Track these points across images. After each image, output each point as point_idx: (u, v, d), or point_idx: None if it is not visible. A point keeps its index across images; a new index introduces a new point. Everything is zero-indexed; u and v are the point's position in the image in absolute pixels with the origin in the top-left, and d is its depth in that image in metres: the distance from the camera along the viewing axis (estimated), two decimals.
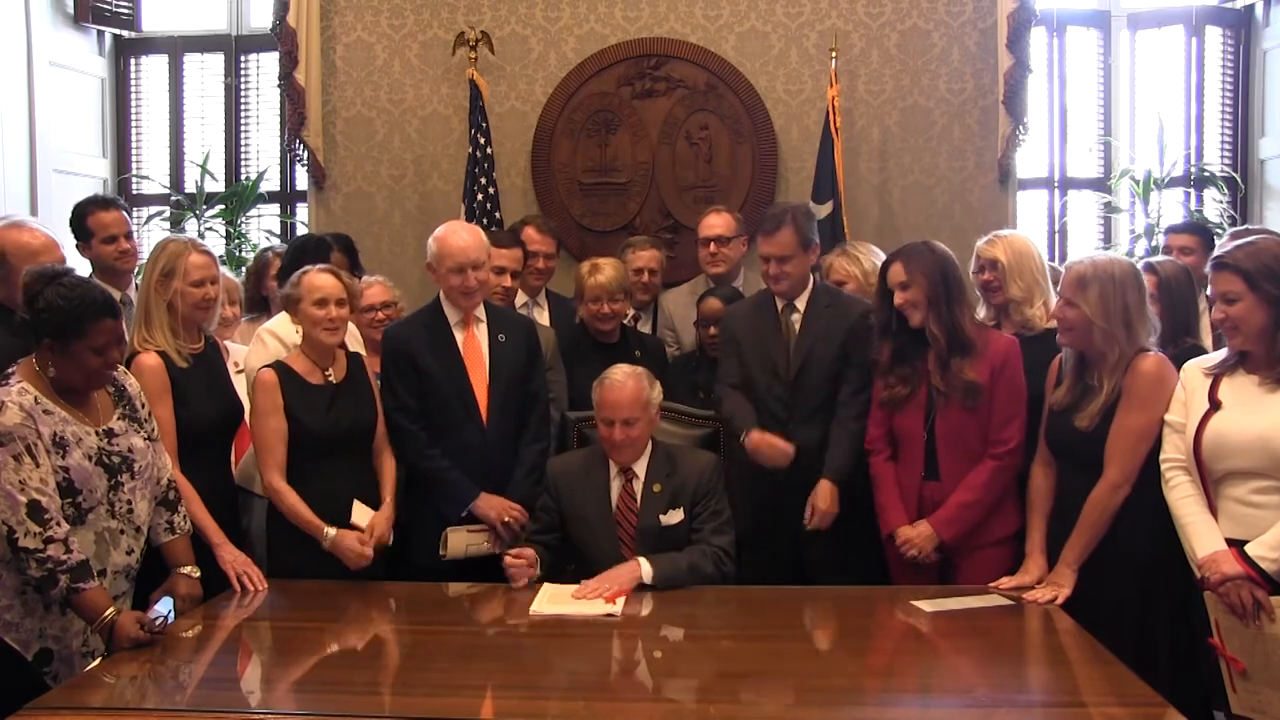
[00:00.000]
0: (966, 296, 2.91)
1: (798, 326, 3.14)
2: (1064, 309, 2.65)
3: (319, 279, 2.93)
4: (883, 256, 3.48)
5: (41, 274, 2.42)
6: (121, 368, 2.60)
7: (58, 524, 2.28)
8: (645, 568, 2.71)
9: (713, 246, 3.86)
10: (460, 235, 3.06)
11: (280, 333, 3.15)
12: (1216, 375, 2.43)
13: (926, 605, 2.54)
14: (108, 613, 2.29)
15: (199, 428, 2.79)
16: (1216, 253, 2.44)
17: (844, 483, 3.00)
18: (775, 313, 3.18)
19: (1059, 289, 2.70)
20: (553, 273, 4.00)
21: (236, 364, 3.24)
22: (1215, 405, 2.39)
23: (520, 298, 3.84)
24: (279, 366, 2.91)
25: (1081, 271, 2.62)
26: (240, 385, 3.09)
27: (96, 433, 2.43)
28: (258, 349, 3.17)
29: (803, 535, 3.06)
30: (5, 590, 2.31)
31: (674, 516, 2.84)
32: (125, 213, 3.40)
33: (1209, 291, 2.46)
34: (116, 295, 3.18)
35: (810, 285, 3.18)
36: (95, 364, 2.38)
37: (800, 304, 3.15)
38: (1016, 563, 2.82)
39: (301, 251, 3.53)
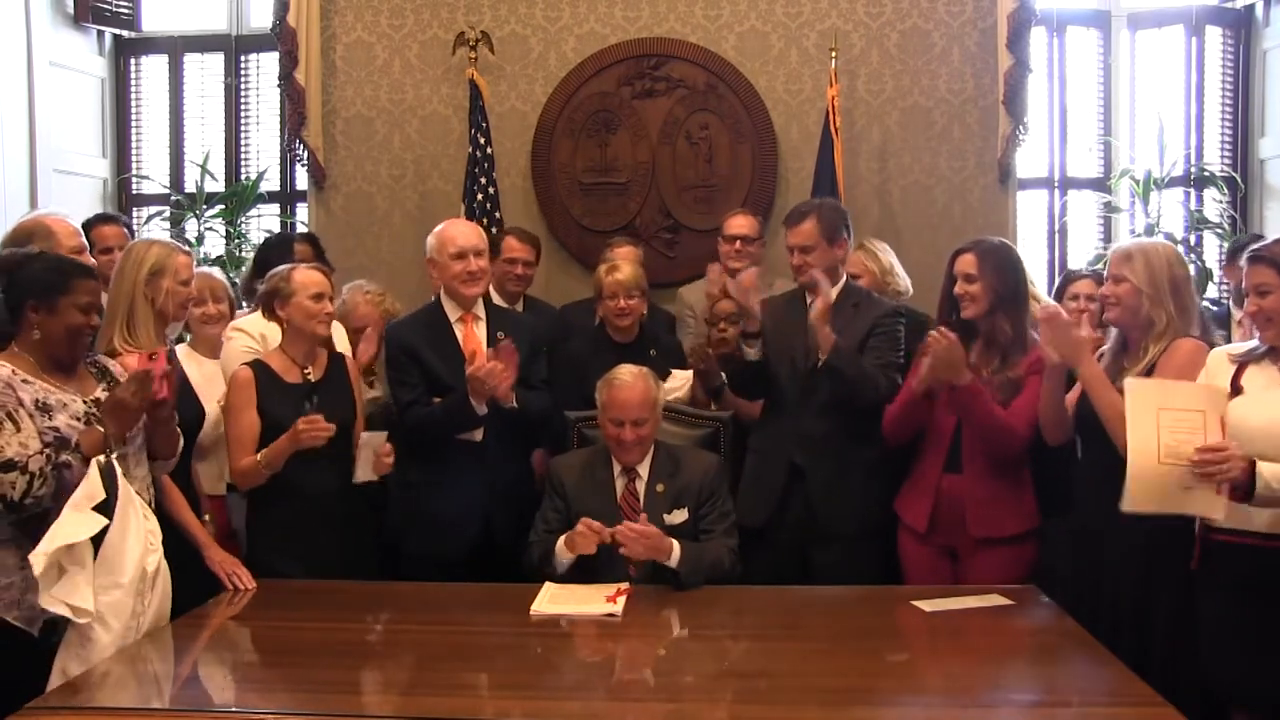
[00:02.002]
0: (1029, 298, 2.97)
1: None
2: (1111, 286, 2.68)
3: (312, 275, 2.94)
4: (894, 258, 3.54)
5: (20, 253, 2.52)
6: (106, 357, 2.62)
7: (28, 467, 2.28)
8: (676, 554, 2.71)
9: (738, 245, 3.97)
10: (458, 224, 3.34)
11: (250, 329, 3.18)
12: (1243, 362, 2.45)
13: (926, 605, 2.54)
14: (97, 428, 2.38)
15: (181, 429, 2.79)
16: (1253, 247, 2.48)
17: (836, 360, 2.99)
18: (803, 306, 3.19)
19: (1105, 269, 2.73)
20: (531, 280, 4.14)
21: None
22: (1236, 391, 2.40)
23: (500, 304, 3.90)
24: (256, 365, 2.92)
25: (1127, 250, 2.70)
26: (221, 384, 3.10)
27: (84, 401, 2.46)
28: (233, 347, 3.18)
29: (810, 537, 3.07)
30: (5, 569, 2.30)
31: (678, 516, 2.84)
32: (127, 228, 3.68)
33: (1243, 285, 2.48)
34: None
35: (841, 283, 3.19)
36: (79, 321, 2.44)
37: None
38: (1024, 563, 2.84)
39: (268, 249, 3.77)
